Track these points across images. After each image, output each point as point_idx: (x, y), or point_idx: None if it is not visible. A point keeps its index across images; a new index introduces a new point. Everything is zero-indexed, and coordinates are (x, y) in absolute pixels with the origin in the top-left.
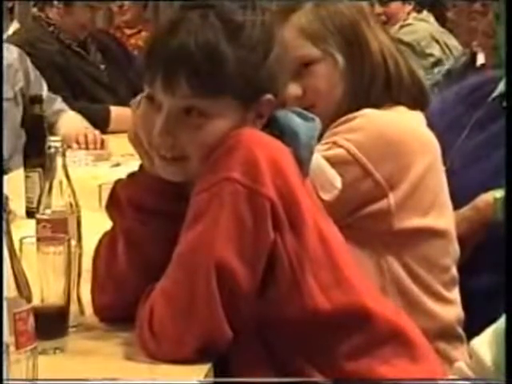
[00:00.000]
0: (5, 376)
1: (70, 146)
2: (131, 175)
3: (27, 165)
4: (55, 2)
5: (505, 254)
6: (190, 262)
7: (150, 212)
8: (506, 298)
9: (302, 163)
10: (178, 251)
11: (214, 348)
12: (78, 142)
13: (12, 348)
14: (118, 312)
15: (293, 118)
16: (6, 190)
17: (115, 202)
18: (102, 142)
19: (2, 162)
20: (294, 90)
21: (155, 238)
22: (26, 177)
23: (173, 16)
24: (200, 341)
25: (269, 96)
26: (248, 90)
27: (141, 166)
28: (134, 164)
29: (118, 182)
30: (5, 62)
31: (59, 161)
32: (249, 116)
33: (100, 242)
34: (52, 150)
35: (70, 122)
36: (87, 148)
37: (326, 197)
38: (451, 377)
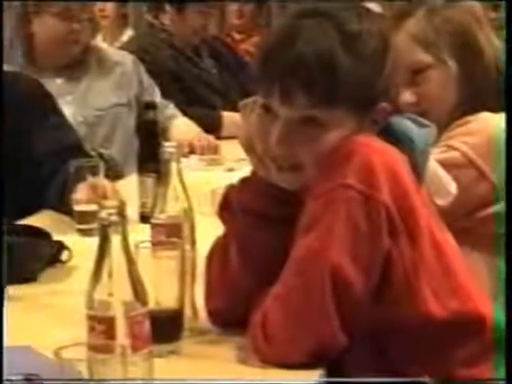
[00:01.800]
0: (5, 377)
1: (182, 152)
2: (243, 180)
3: (141, 170)
4: (167, 8)
5: (506, 254)
6: (305, 267)
7: (261, 216)
8: (506, 297)
9: (418, 170)
10: (293, 257)
11: (327, 353)
12: (192, 147)
13: (129, 351)
14: (230, 316)
15: (408, 125)
16: (119, 195)
17: (227, 206)
18: (216, 147)
19: (2, 163)
20: (407, 96)
21: (267, 242)
22: (140, 182)
23: (287, 24)
24: (313, 346)
25: (384, 104)
26: (364, 98)
27: (253, 171)
28: (247, 169)
29: (229, 186)
30: (119, 69)
31: (174, 166)
32: (364, 124)
33: (213, 246)
34: (167, 156)
35: (183, 127)
36: (202, 153)
37: (441, 202)
38: None
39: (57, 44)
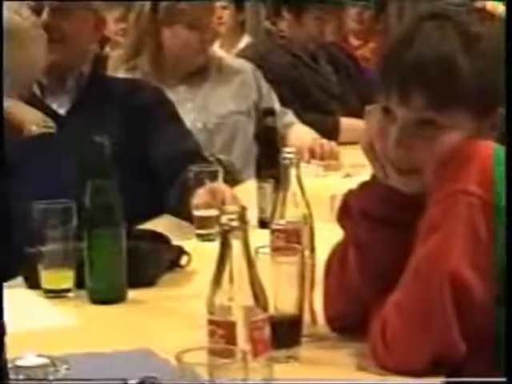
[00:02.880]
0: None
1: (302, 158)
2: (362, 185)
3: (260, 176)
4: (285, 15)
5: (506, 255)
6: (425, 274)
7: (380, 221)
8: (506, 297)
9: None
10: (413, 262)
11: (447, 361)
12: (313, 153)
13: (249, 356)
14: (349, 322)
15: None
16: (237, 200)
17: (346, 211)
18: (337, 153)
19: (4, 163)
20: None
21: (385, 246)
22: (259, 187)
23: (408, 27)
24: (433, 353)
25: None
26: (483, 102)
27: (372, 176)
28: (364, 175)
29: (349, 191)
30: (239, 77)
31: (293, 172)
32: (483, 127)
33: (331, 252)
34: (286, 162)
35: (301, 134)
36: (322, 159)
37: None
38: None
39: (186, 53)
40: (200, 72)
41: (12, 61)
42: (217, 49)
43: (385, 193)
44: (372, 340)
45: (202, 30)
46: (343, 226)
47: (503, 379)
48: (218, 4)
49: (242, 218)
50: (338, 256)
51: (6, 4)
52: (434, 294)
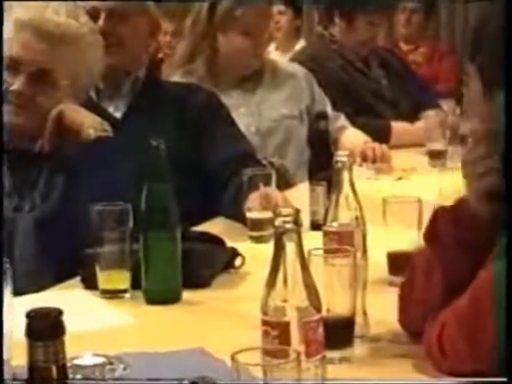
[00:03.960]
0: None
1: (354, 161)
2: (452, 209)
3: (312, 179)
4: (337, 20)
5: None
6: (488, 287)
7: (467, 250)
8: (506, 297)
9: None
10: (482, 275)
11: (492, 371)
12: (364, 156)
13: (302, 356)
14: (414, 329)
15: None
16: (289, 204)
17: (434, 232)
18: (389, 156)
19: (2, 163)
20: None
21: (468, 269)
22: (311, 190)
23: None
24: (482, 365)
25: None
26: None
27: (459, 201)
28: (415, 178)
29: (439, 210)
30: (292, 81)
31: (346, 175)
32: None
33: (413, 259)
34: (339, 165)
35: (353, 137)
36: (374, 162)
37: None
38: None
39: (241, 58)
40: (254, 76)
41: (70, 66)
42: (271, 51)
43: (471, 222)
44: (428, 342)
45: (257, 36)
46: (428, 243)
47: (503, 379)
48: (275, 9)
49: (296, 220)
50: (422, 270)
51: (60, 7)
52: (487, 313)
